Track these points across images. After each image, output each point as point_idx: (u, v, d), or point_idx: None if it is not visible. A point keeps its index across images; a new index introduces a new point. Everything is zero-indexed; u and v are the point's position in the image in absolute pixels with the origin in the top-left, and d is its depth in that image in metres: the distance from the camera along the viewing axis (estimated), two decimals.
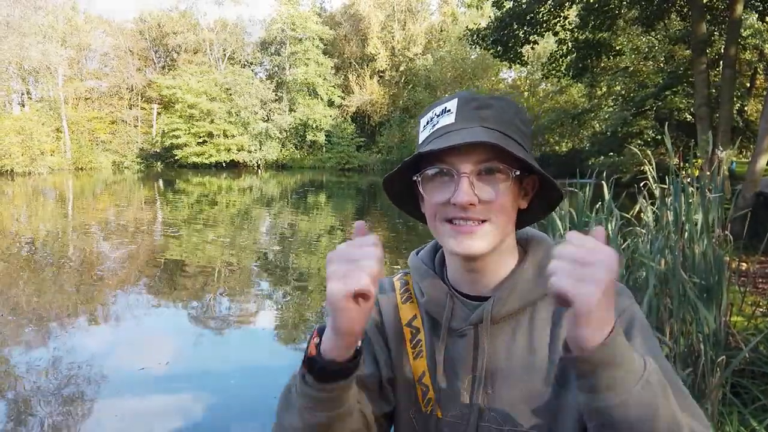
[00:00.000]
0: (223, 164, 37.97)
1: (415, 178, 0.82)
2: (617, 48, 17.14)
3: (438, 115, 0.82)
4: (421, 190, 0.82)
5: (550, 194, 0.86)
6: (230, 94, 38.08)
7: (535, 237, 0.91)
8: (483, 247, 0.79)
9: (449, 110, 0.80)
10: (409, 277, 0.97)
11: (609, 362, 0.62)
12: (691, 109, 18.02)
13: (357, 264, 0.65)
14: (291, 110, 40.79)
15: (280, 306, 6.52)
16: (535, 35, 14.79)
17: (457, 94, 0.82)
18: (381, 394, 0.91)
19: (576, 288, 0.59)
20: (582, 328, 0.61)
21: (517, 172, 0.78)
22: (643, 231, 3.17)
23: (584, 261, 0.60)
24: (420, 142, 0.84)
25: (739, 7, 10.92)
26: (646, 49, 20.61)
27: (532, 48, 16.22)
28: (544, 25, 14.48)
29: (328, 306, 0.68)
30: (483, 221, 0.79)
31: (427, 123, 0.83)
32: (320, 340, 0.72)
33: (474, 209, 0.77)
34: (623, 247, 3.12)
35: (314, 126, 40.04)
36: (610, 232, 3.06)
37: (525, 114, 0.84)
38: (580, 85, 24.09)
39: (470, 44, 17.16)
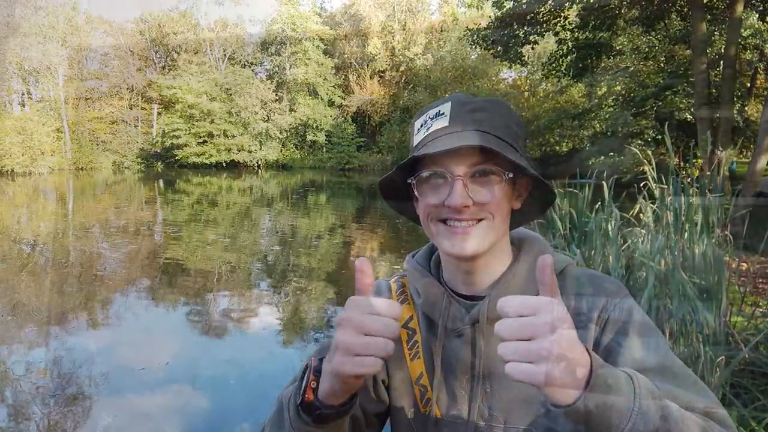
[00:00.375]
0: (224, 164, 37.92)
1: (409, 180, 0.83)
2: (617, 48, 17.13)
3: (432, 118, 0.82)
4: (416, 192, 0.82)
5: (544, 195, 0.87)
6: (230, 94, 38.05)
7: (528, 237, 0.92)
8: (477, 247, 0.80)
9: (443, 113, 0.81)
10: (405, 279, 0.98)
11: (595, 405, 0.59)
12: (691, 109, 17.99)
13: (372, 344, 0.62)
14: (291, 110, 40.72)
15: (280, 306, 6.51)
16: (535, 35, 14.81)
17: (450, 97, 0.83)
18: (375, 393, 0.92)
19: (530, 372, 0.56)
20: (553, 397, 0.58)
21: (510, 174, 0.79)
22: (643, 231, 3.17)
23: (527, 334, 0.57)
24: (414, 144, 0.85)
25: (739, 7, 10.90)
26: (646, 49, 20.56)
27: (532, 48, 16.24)
28: (544, 25, 14.49)
29: (332, 372, 0.66)
30: (477, 221, 0.80)
31: (421, 126, 0.84)
32: (317, 384, 0.70)
33: (468, 210, 0.78)
34: (623, 247, 3.12)
35: (314, 126, 40.00)
36: (610, 232, 3.06)
37: (518, 116, 0.85)
38: (580, 85, 24.09)
39: (470, 44, 17.19)
